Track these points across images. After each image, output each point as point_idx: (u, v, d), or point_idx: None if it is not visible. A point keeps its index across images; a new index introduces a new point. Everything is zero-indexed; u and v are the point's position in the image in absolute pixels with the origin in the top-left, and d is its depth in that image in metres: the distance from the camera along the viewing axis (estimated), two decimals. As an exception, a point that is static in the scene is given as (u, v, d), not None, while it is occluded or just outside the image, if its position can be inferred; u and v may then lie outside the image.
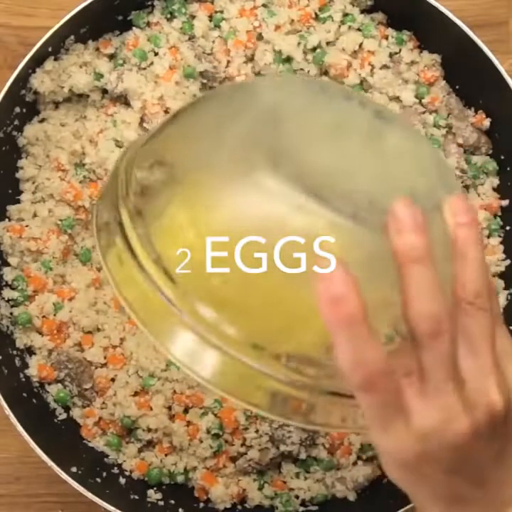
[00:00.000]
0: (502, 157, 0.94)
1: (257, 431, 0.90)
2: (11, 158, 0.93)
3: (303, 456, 0.91)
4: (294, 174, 0.56)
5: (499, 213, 0.94)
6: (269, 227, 0.56)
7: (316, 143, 0.60)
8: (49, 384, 0.92)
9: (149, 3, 0.93)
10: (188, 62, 0.91)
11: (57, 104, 0.95)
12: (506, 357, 0.58)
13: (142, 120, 0.92)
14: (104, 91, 0.93)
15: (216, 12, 0.93)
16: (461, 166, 0.92)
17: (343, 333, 0.51)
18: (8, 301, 0.91)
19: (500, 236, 0.94)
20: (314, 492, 0.91)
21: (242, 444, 0.91)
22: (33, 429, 0.86)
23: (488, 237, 0.94)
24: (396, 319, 0.56)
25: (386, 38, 0.94)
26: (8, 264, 0.92)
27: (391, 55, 0.93)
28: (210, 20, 0.93)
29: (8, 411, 0.85)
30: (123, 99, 0.93)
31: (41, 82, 0.91)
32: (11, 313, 0.91)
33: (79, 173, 0.92)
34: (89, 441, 0.92)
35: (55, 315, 0.92)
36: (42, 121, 0.94)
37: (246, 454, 0.91)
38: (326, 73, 0.93)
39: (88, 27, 0.91)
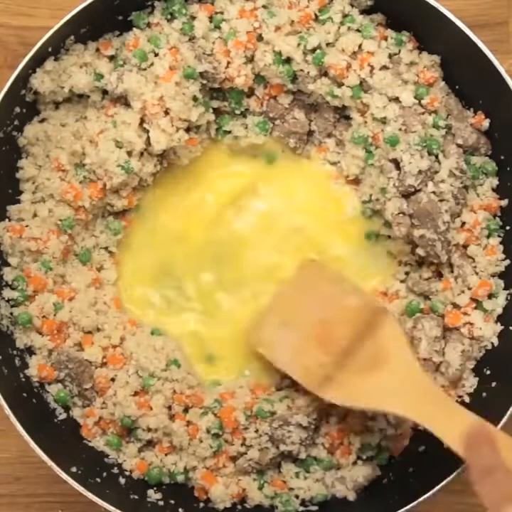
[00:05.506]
0: (502, 157, 0.94)
1: (256, 431, 0.90)
2: (11, 158, 0.93)
3: (303, 455, 0.91)
4: None
5: (498, 213, 0.95)
6: None
7: None
8: (49, 384, 0.92)
9: (149, 3, 0.93)
10: (188, 63, 0.91)
11: (57, 105, 0.95)
12: None
13: (142, 121, 0.92)
14: (105, 91, 0.93)
15: (216, 13, 0.93)
16: (461, 166, 0.92)
17: None
18: (8, 301, 0.91)
19: (499, 236, 0.94)
20: (314, 492, 0.91)
21: (242, 444, 0.91)
22: (33, 429, 0.86)
23: (488, 237, 0.94)
24: None
25: (385, 38, 0.94)
26: (8, 264, 0.92)
27: (390, 56, 0.93)
28: (211, 21, 0.93)
29: (8, 411, 0.85)
30: (123, 100, 0.93)
31: (41, 82, 0.91)
32: (11, 313, 0.91)
33: (79, 173, 0.92)
34: (89, 441, 0.92)
35: (55, 315, 0.92)
36: (42, 121, 0.94)
37: (246, 453, 0.91)
38: (325, 74, 0.93)
39: (88, 27, 0.91)
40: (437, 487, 0.85)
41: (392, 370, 0.84)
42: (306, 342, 0.88)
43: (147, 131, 0.92)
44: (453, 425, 0.77)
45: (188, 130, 0.93)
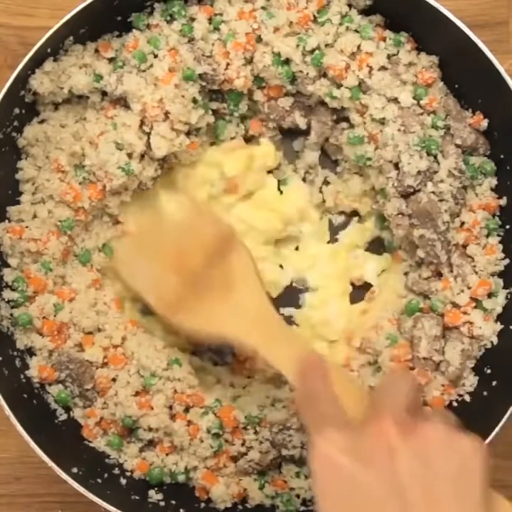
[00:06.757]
0: (501, 156, 0.94)
1: (256, 432, 0.90)
2: (11, 159, 0.93)
3: (303, 455, 0.91)
4: None
5: (498, 213, 0.95)
6: None
7: None
8: (50, 385, 0.92)
9: (149, 4, 0.93)
10: (187, 65, 0.91)
11: (56, 106, 0.95)
12: None
13: (142, 123, 0.92)
14: (104, 93, 0.93)
15: (215, 15, 0.93)
16: (460, 166, 0.92)
17: None
18: (8, 302, 0.91)
19: (499, 235, 0.94)
20: (314, 491, 0.92)
21: (243, 444, 0.91)
22: (34, 430, 0.86)
23: (487, 236, 0.94)
24: None
25: (384, 39, 0.93)
26: (8, 265, 0.92)
27: (389, 57, 0.93)
28: (210, 23, 0.93)
29: (8, 412, 0.85)
30: (123, 102, 0.93)
31: (40, 83, 0.91)
32: (12, 315, 0.91)
33: (79, 174, 0.92)
34: (90, 442, 0.92)
35: (55, 316, 0.92)
36: (41, 122, 0.94)
37: (246, 453, 0.91)
38: (324, 75, 0.93)
39: (87, 28, 0.91)
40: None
41: (237, 297, 0.85)
42: (162, 271, 0.88)
43: (147, 134, 0.92)
44: (286, 352, 0.77)
45: (188, 133, 0.93)
